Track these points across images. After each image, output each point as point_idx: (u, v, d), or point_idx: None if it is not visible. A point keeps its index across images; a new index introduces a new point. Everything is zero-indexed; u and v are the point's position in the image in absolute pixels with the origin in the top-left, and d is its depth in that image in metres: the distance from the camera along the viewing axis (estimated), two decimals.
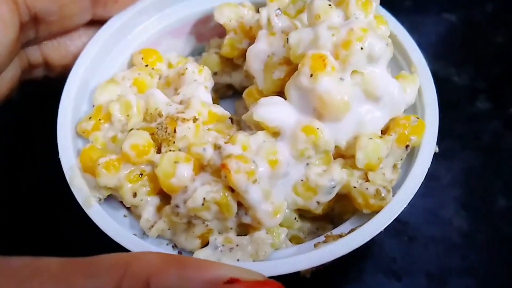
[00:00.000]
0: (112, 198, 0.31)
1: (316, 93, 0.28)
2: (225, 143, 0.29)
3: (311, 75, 0.28)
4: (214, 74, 0.37)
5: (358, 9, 0.31)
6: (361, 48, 0.28)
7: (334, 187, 0.29)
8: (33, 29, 0.33)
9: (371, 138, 0.29)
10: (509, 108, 0.45)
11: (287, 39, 0.30)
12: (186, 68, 0.34)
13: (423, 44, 0.48)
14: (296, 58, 0.30)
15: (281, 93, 0.31)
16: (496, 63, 0.48)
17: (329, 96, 0.28)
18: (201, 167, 0.29)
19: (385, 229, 0.29)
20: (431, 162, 0.31)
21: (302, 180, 0.29)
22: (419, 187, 0.30)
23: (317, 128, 0.29)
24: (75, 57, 0.35)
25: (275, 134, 0.30)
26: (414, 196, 0.30)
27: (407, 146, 0.30)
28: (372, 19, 0.32)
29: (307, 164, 0.29)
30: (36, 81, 0.37)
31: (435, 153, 0.31)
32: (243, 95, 0.34)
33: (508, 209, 0.40)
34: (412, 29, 0.49)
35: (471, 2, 0.51)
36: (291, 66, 0.31)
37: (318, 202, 0.30)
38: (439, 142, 0.32)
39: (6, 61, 0.32)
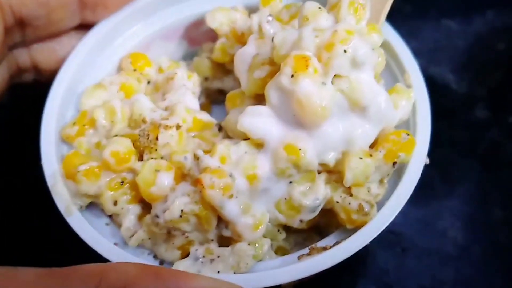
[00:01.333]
0: (95, 205, 0.31)
1: (296, 96, 0.27)
2: (206, 152, 0.28)
3: (292, 76, 0.27)
4: (206, 79, 0.37)
5: (349, 15, 0.30)
6: (344, 51, 0.27)
7: (318, 205, 0.28)
8: (19, 32, 0.33)
9: (361, 158, 0.28)
10: (508, 116, 0.44)
11: (272, 38, 0.29)
12: (176, 73, 0.34)
13: (421, 50, 0.48)
14: (280, 58, 0.29)
15: (263, 96, 0.30)
16: (496, 70, 0.47)
17: (308, 100, 0.27)
18: (182, 176, 0.28)
19: (376, 240, 0.28)
20: (428, 171, 0.30)
21: (285, 199, 0.29)
22: (412, 200, 0.29)
23: (300, 149, 0.27)
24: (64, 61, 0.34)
25: (259, 145, 0.29)
26: (406, 207, 0.29)
27: (394, 163, 0.29)
28: (364, 25, 0.31)
29: (290, 182, 0.28)
30: (26, 85, 0.37)
31: (428, 163, 0.30)
32: (226, 99, 0.33)
33: (505, 221, 0.39)
34: (411, 35, 0.49)
35: (471, 8, 0.50)
36: (274, 67, 0.30)
37: (301, 220, 0.29)
38: (435, 149, 0.31)
39: None
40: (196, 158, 0.28)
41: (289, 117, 0.28)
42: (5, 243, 0.38)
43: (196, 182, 0.27)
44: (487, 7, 0.50)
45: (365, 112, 0.28)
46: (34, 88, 0.38)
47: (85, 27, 0.35)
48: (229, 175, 0.27)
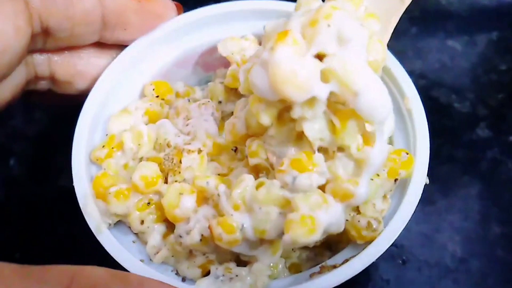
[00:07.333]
0: (122, 223, 0.33)
1: (270, 65, 0.25)
2: (222, 176, 0.29)
3: (272, 48, 0.25)
4: (219, 102, 0.39)
5: (346, 2, 0.28)
6: (328, 25, 0.25)
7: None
8: (41, 40, 0.34)
9: (372, 179, 0.30)
10: (509, 136, 0.46)
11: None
12: (209, 101, 0.36)
13: (427, 71, 0.50)
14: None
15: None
16: (498, 91, 0.48)
17: (279, 67, 0.24)
18: (204, 199, 0.31)
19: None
20: (429, 187, 0.32)
21: None
22: (413, 215, 0.31)
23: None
24: (80, 76, 0.36)
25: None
26: (408, 222, 0.31)
27: (395, 180, 0.32)
28: (362, 12, 0.29)
29: None
30: (40, 93, 0.38)
31: (429, 183, 0.33)
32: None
33: (503, 236, 0.41)
34: (416, 56, 0.51)
35: (477, 29, 0.51)
36: None
37: (315, 241, 0.30)
38: (437, 167, 0.33)
39: (13, 67, 0.33)
40: (217, 194, 0.29)
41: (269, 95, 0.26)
42: (36, 254, 0.41)
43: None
44: (492, 29, 0.52)
45: (356, 101, 0.25)
46: (67, 107, 0.40)
47: (102, 44, 0.37)
48: (239, 229, 0.28)
